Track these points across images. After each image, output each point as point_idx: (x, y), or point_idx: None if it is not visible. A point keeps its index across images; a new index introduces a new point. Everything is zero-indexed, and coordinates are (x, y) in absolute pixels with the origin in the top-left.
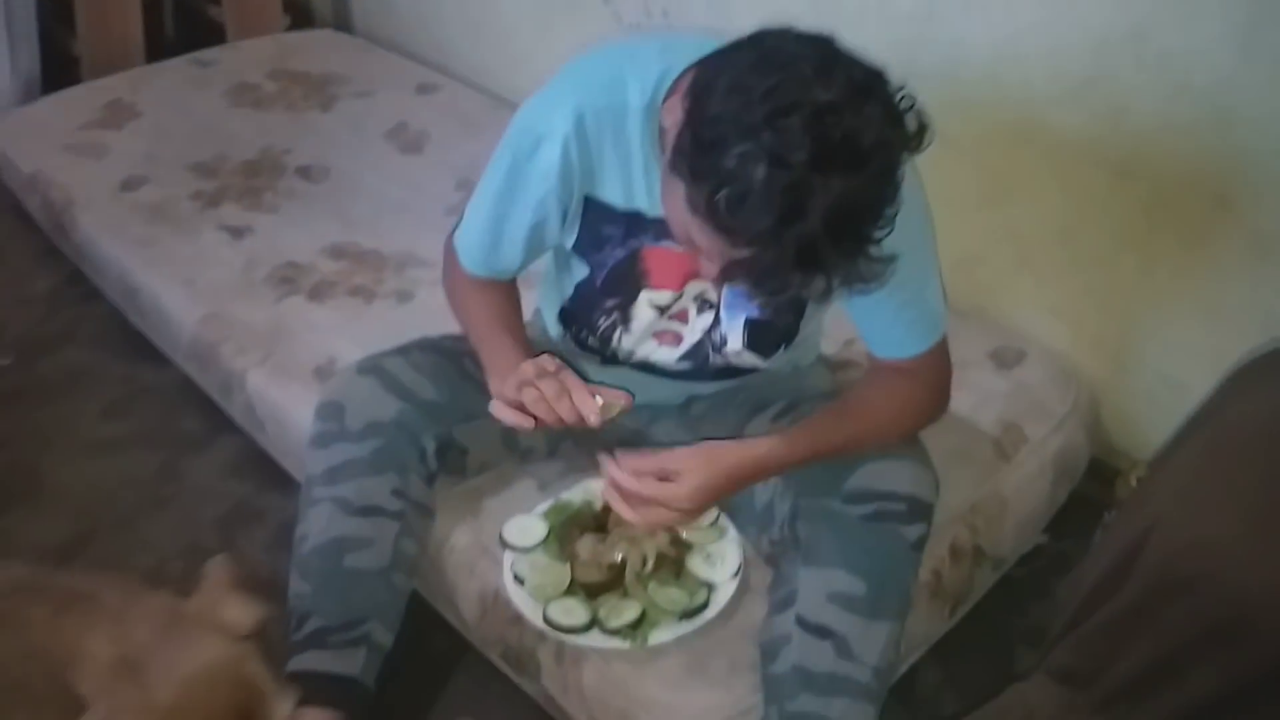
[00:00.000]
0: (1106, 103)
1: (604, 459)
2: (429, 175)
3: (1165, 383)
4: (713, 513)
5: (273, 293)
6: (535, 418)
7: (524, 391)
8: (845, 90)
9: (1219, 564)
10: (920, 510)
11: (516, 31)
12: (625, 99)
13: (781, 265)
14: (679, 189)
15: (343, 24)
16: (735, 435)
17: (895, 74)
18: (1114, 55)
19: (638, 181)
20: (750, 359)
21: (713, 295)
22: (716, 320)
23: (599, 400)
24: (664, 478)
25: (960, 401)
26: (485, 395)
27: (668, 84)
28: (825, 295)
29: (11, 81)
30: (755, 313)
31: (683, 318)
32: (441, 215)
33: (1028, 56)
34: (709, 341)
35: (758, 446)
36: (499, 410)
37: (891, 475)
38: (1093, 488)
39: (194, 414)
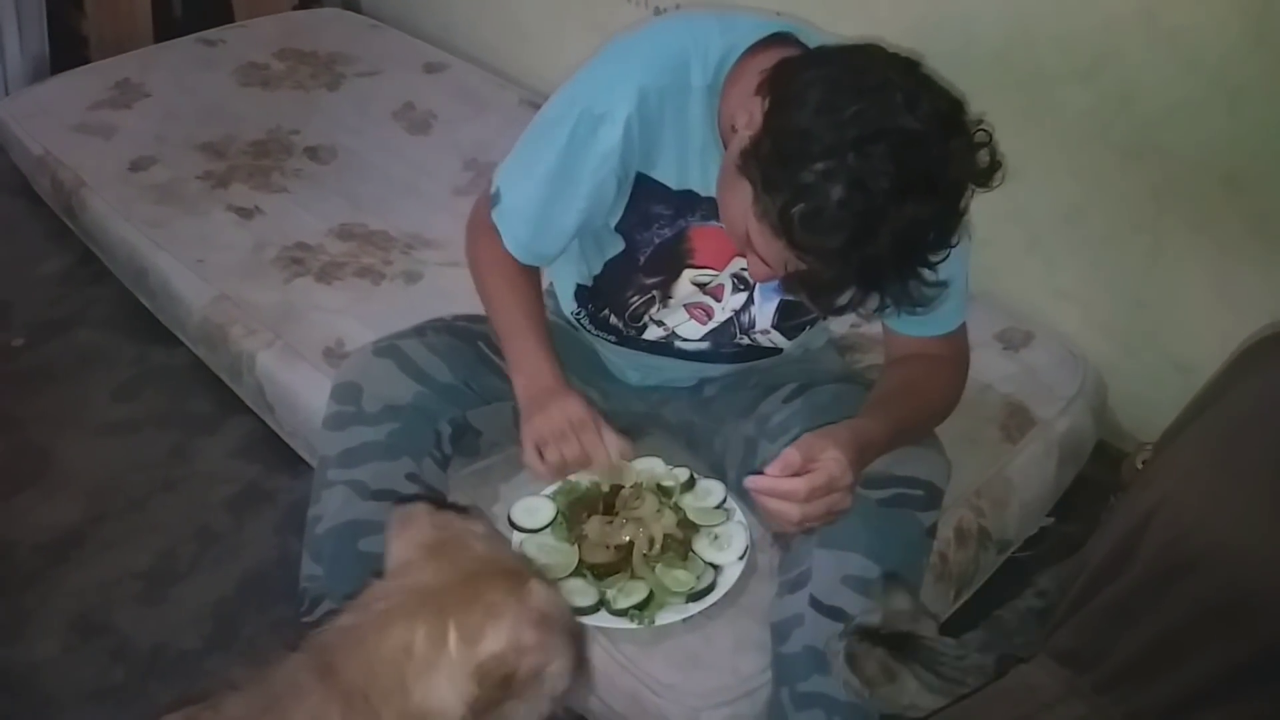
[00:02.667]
0: (1116, 82)
1: (749, 484)
2: (436, 155)
3: (1173, 365)
4: (720, 494)
5: (282, 274)
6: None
7: (549, 451)
8: (932, 121)
9: (1223, 545)
10: (935, 497)
11: (523, 9)
12: (688, 79)
13: (842, 282)
14: (746, 191)
15: (350, 2)
16: (747, 416)
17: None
18: (1124, 34)
19: (693, 161)
20: (775, 339)
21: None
22: (750, 300)
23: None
24: (804, 471)
25: (967, 383)
26: (500, 378)
27: (729, 65)
28: (878, 311)
29: (20, 61)
30: (790, 295)
31: (718, 294)
32: (449, 196)
33: (1038, 36)
34: (737, 321)
35: (853, 425)
36: (533, 466)
37: (910, 461)
38: (1099, 470)
39: (204, 395)
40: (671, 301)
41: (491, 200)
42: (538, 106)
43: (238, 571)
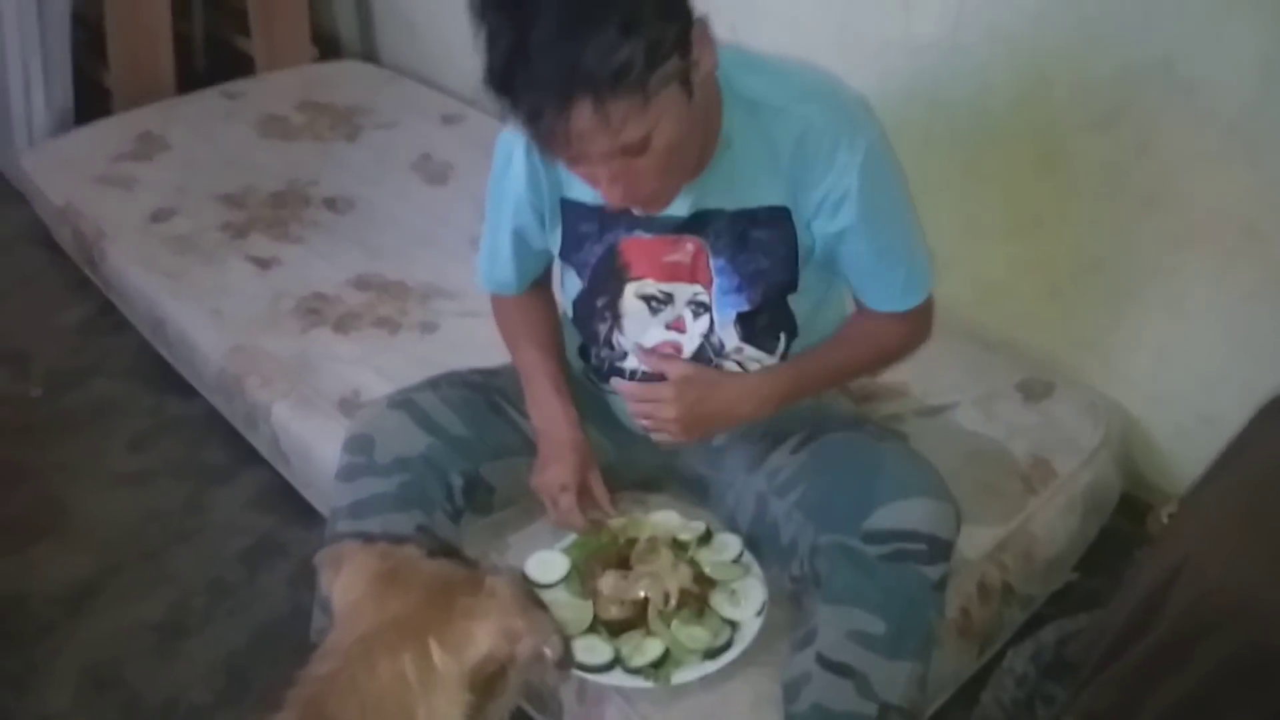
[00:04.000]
0: (1133, 132)
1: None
2: (453, 206)
3: (1197, 416)
4: (736, 548)
5: (299, 324)
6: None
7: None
8: None
9: (1249, 602)
10: (940, 550)
11: None
12: None
13: (543, 83)
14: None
15: (370, 55)
16: (756, 470)
17: (921, 103)
18: (1141, 84)
19: None
20: (753, 354)
21: (705, 297)
22: (711, 322)
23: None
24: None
25: (988, 434)
26: (514, 432)
27: None
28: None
29: (45, 113)
30: (745, 306)
31: (680, 326)
32: (466, 246)
33: (1054, 85)
34: (709, 346)
35: (739, 375)
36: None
37: (911, 514)
38: (1124, 523)
39: (220, 446)
40: (625, 322)
41: None
42: None
43: (250, 624)
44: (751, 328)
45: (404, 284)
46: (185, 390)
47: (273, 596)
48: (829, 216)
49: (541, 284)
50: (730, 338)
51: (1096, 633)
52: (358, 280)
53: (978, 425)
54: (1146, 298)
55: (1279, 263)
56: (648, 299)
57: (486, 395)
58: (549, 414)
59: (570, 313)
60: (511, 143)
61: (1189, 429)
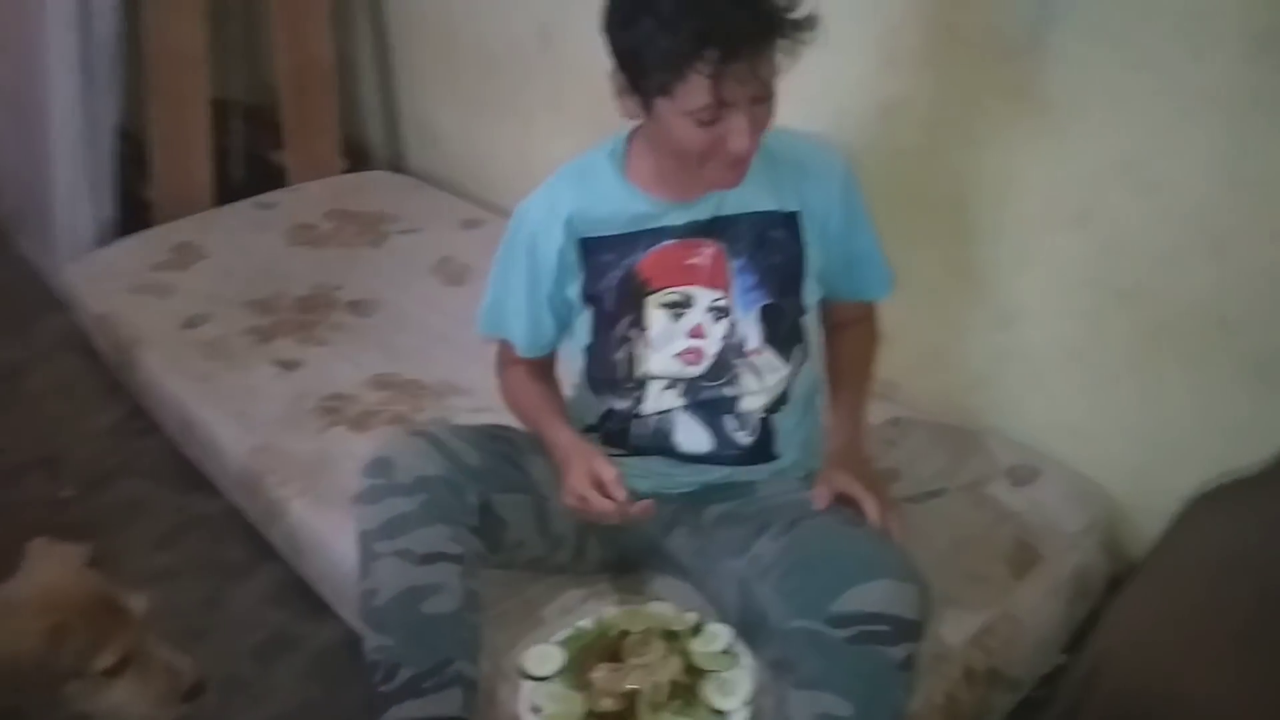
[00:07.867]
0: (1103, 230)
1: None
2: (471, 306)
3: (1180, 499)
4: (726, 639)
5: (318, 423)
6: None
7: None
8: None
9: (1163, 704)
10: (905, 630)
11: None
12: (594, 157)
13: (751, 24)
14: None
15: (396, 164)
16: (740, 555)
17: (903, 204)
18: (1106, 185)
19: (620, 209)
20: (770, 360)
21: (724, 302)
22: (732, 325)
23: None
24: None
25: (974, 520)
26: (522, 474)
27: (625, 136)
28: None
29: (90, 226)
30: (766, 299)
31: (699, 333)
32: (480, 343)
33: (1026, 187)
34: (730, 346)
35: (828, 449)
36: (576, 510)
37: (873, 596)
38: None
39: (239, 543)
40: (652, 334)
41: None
42: None
43: None
44: (775, 328)
45: (419, 382)
46: (209, 489)
47: (284, 691)
48: (839, 217)
49: (550, 364)
50: (753, 336)
51: None
52: (376, 380)
53: (965, 511)
54: (1124, 386)
55: (1250, 353)
56: (670, 305)
57: (496, 441)
58: (560, 440)
59: (583, 363)
60: (536, 224)
61: (1172, 512)
